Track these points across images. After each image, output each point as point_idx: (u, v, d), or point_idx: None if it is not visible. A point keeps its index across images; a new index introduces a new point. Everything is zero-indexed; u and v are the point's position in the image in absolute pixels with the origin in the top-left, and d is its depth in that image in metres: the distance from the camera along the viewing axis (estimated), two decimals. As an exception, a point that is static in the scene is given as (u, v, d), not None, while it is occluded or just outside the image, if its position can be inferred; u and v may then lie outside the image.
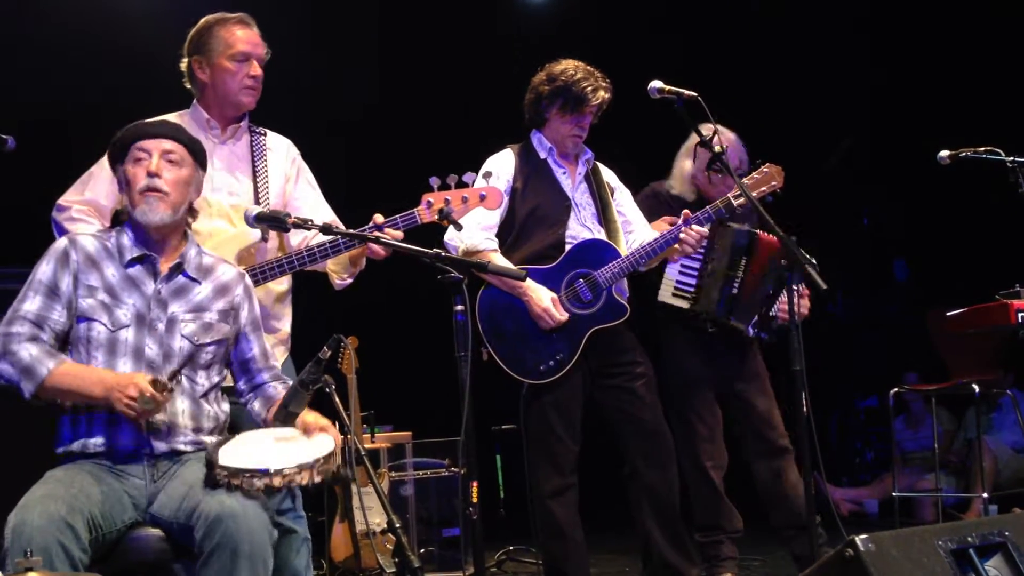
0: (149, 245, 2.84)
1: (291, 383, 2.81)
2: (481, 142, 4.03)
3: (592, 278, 3.79)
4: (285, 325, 3.44)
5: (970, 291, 5.00)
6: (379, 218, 3.21)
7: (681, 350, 4.25)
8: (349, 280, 3.46)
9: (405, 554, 2.47)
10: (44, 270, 2.79)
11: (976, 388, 5.29)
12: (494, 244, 3.83)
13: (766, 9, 6.93)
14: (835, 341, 7.54)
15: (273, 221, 3.01)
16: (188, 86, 3.45)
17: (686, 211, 3.88)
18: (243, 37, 3.36)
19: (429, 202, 3.21)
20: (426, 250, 2.86)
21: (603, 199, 3.97)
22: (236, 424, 3.01)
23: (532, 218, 3.86)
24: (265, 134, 3.49)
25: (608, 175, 4.08)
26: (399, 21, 6.63)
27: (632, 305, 3.86)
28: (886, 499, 6.62)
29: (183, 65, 3.43)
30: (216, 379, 2.89)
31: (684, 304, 4.11)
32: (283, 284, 3.43)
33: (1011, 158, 4.10)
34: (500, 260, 3.78)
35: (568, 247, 3.83)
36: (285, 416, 2.68)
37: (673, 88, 3.43)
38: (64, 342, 2.78)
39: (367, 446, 5.10)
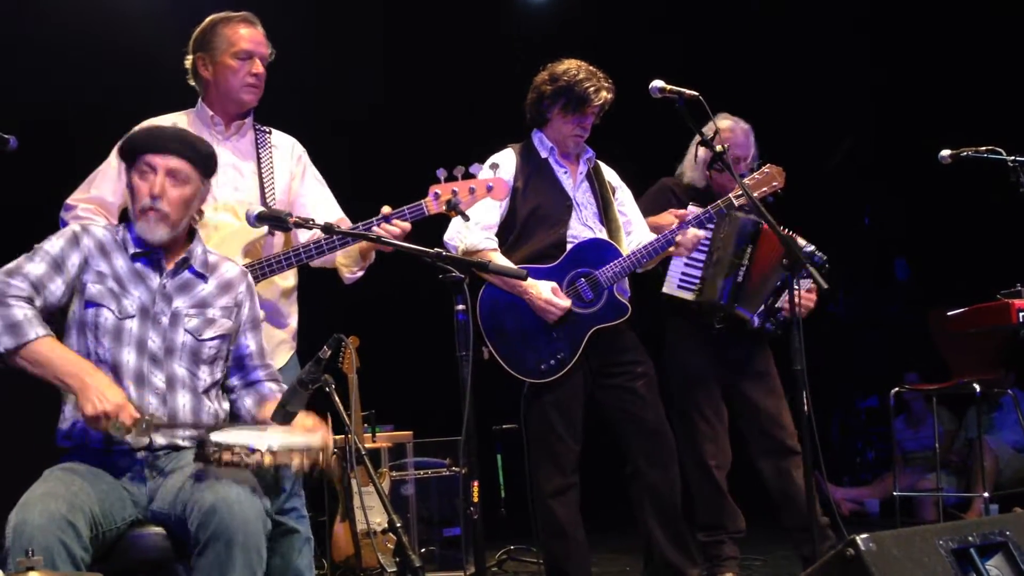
0: (151, 246, 2.84)
1: (290, 383, 2.81)
2: (483, 141, 4.02)
3: (593, 277, 3.79)
4: (292, 322, 3.46)
5: (971, 290, 5.00)
6: (387, 209, 3.23)
7: (686, 346, 4.25)
8: (359, 273, 3.47)
9: (406, 554, 2.47)
10: (53, 243, 2.78)
11: (977, 388, 5.29)
12: (494, 243, 3.83)
13: (766, 8, 6.93)
14: (836, 340, 7.54)
15: (274, 220, 3.01)
16: (192, 83, 3.47)
17: (681, 212, 3.87)
18: (247, 35, 3.38)
19: (436, 193, 3.23)
20: (427, 249, 2.86)
21: (604, 198, 3.97)
22: (234, 420, 3.02)
23: (533, 217, 3.85)
24: (270, 132, 3.52)
25: (609, 174, 4.07)
26: (402, 21, 6.63)
27: (633, 304, 3.86)
28: (887, 499, 6.62)
29: (187, 62, 3.45)
30: (218, 375, 2.90)
31: (689, 296, 4.11)
32: (289, 281, 3.45)
33: (1012, 157, 4.10)
34: (500, 259, 3.78)
35: (569, 246, 3.83)
36: (284, 415, 2.68)
37: (674, 88, 3.43)
38: (51, 318, 2.75)
39: (368, 446, 5.10)
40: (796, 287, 3.47)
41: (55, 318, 2.78)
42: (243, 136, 3.46)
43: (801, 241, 4.13)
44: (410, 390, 6.19)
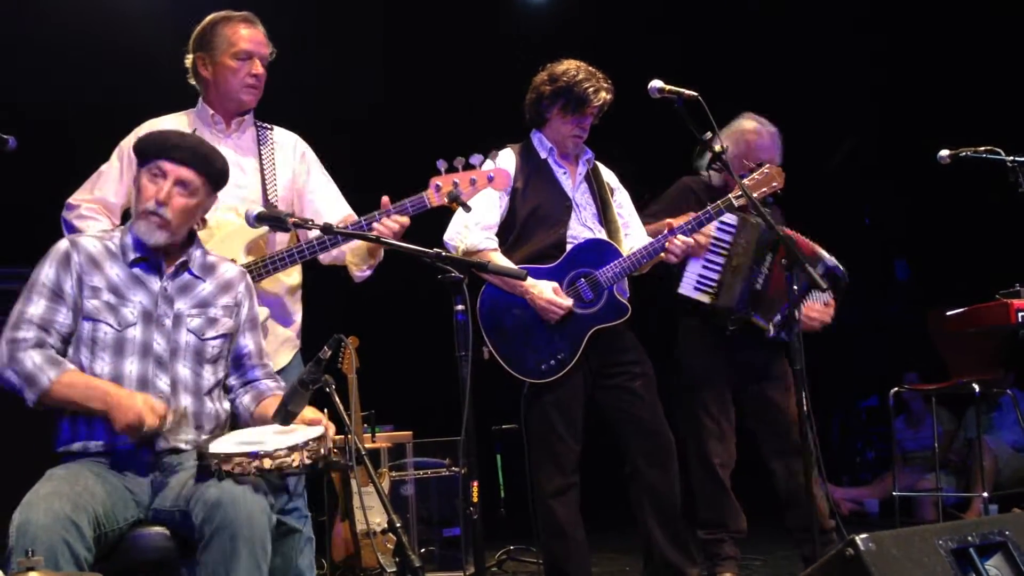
0: (150, 250, 2.85)
1: (290, 384, 2.82)
2: (483, 142, 4.02)
3: (593, 277, 3.79)
4: (296, 320, 3.48)
5: (970, 290, 5.00)
6: (386, 200, 3.23)
7: (697, 346, 4.24)
8: (368, 272, 3.48)
9: (406, 554, 2.47)
10: (47, 272, 2.79)
11: (976, 388, 5.29)
12: (494, 244, 3.83)
13: (765, 8, 6.93)
14: (836, 341, 7.53)
15: (273, 221, 3.02)
16: (192, 82, 3.47)
17: (670, 221, 3.86)
18: (247, 36, 3.38)
19: (438, 185, 3.23)
20: (427, 250, 2.86)
21: (603, 199, 3.97)
22: (236, 425, 3.02)
23: (533, 218, 3.86)
24: (271, 129, 3.52)
25: (608, 175, 4.08)
26: (402, 21, 6.63)
27: (639, 304, 3.86)
28: (886, 499, 6.62)
29: (187, 61, 3.46)
30: (220, 375, 2.92)
31: (705, 299, 4.09)
32: (294, 278, 3.46)
33: (1011, 158, 4.10)
34: (500, 260, 3.78)
35: (569, 247, 3.83)
36: (284, 415, 2.68)
37: (674, 88, 3.43)
38: (69, 344, 2.79)
39: (368, 446, 5.10)
40: (795, 285, 3.47)
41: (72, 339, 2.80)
42: (244, 133, 3.47)
43: (825, 255, 4.12)
44: (410, 390, 6.19)
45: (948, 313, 4.86)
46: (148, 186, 2.80)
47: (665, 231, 3.84)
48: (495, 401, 4.00)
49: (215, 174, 2.88)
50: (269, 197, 3.39)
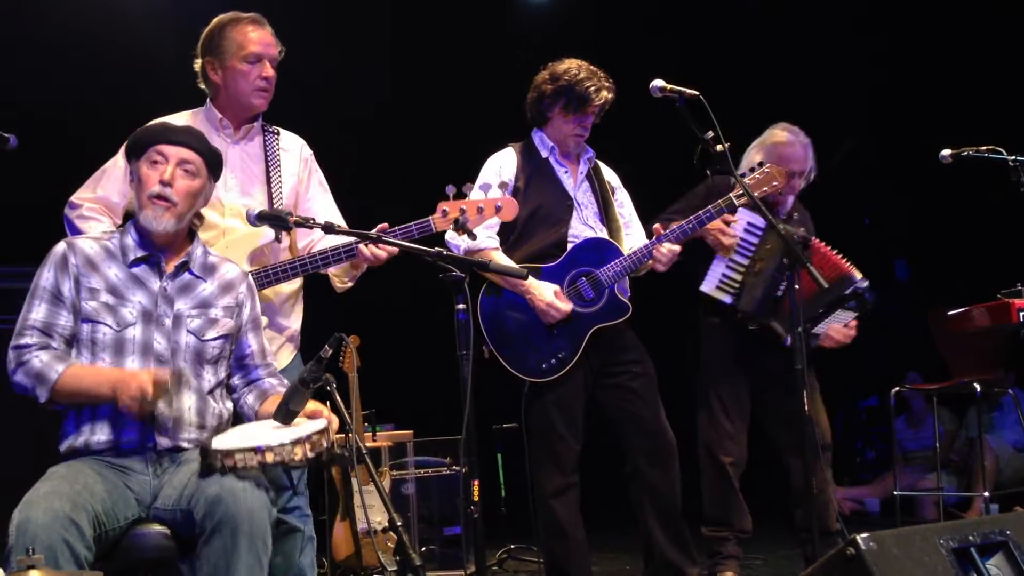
0: (153, 247, 2.85)
1: (291, 383, 2.82)
2: (485, 141, 4.03)
3: (594, 276, 3.79)
4: (294, 323, 3.47)
5: (971, 290, 5.00)
6: (385, 226, 3.22)
7: (719, 344, 4.24)
8: (350, 284, 3.47)
9: (406, 552, 2.47)
10: (46, 277, 2.80)
11: (977, 387, 5.29)
12: (496, 242, 3.83)
13: (765, 8, 6.92)
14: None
15: (274, 220, 3.02)
16: (202, 86, 3.45)
17: (657, 226, 3.86)
18: (256, 38, 3.34)
19: (444, 211, 3.23)
20: (428, 249, 2.86)
21: (604, 198, 3.97)
22: (238, 419, 3.02)
23: (534, 217, 3.85)
24: (278, 133, 3.50)
25: (609, 174, 4.08)
26: (404, 21, 6.63)
27: (634, 304, 3.86)
28: (887, 498, 6.62)
29: (196, 66, 3.42)
30: (222, 375, 2.92)
31: (726, 298, 4.09)
32: (294, 283, 3.45)
33: (1013, 157, 4.10)
34: (502, 259, 3.78)
35: (570, 246, 3.83)
36: (285, 414, 2.68)
37: (675, 87, 3.42)
38: (72, 345, 2.80)
39: (368, 444, 5.10)
40: (796, 285, 3.47)
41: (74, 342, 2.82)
42: (251, 140, 3.44)
43: (856, 274, 4.13)
44: (411, 389, 6.19)
45: (949, 313, 4.86)
46: (150, 173, 2.80)
47: (655, 237, 3.82)
48: (496, 400, 4.00)
49: (212, 156, 2.90)
50: (275, 204, 3.38)
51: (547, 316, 3.72)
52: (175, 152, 2.81)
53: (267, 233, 3.27)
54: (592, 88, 3.80)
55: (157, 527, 2.66)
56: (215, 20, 3.40)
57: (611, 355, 3.85)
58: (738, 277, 4.08)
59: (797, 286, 3.50)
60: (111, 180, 3.35)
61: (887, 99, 7.39)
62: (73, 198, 3.36)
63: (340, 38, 6.41)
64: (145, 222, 2.82)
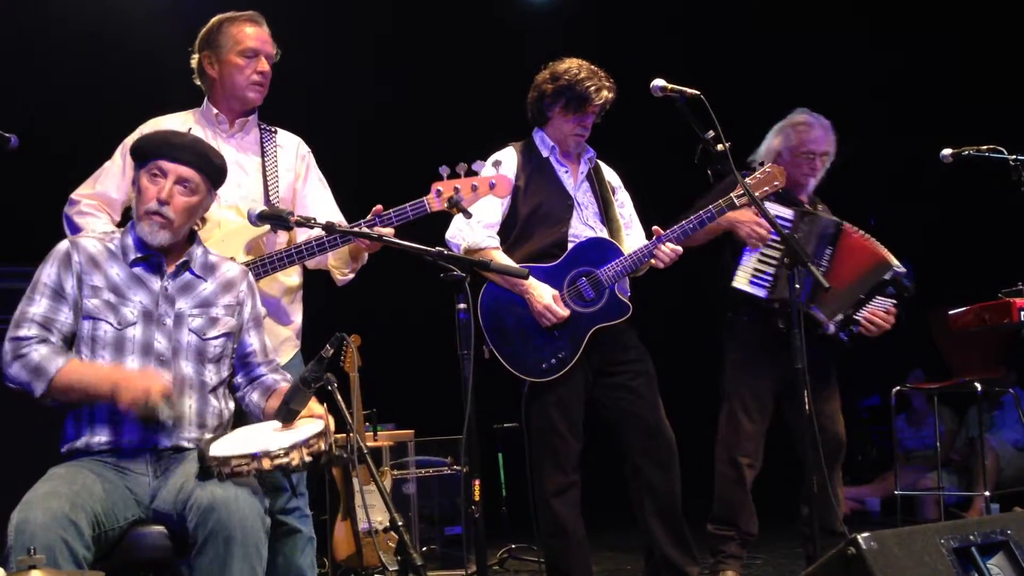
0: (152, 249, 2.85)
1: (292, 379, 2.82)
2: (485, 140, 4.03)
3: (595, 276, 3.79)
4: (296, 320, 3.48)
5: (973, 289, 4.99)
6: (379, 208, 3.23)
7: (745, 342, 4.23)
8: (351, 275, 3.48)
9: (407, 552, 2.47)
10: (48, 272, 2.80)
11: (978, 386, 5.29)
12: (496, 242, 3.83)
13: (766, 8, 6.92)
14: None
15: (275, 219, 3.02)
16: (198, 82, 3.48)
17: (657, 228, 3.86)
18: (252, 34, 3.41)
19: (439, 190, 3.23)
20: (429, 248, 2.86)
21: (605, 198, 3.97)
22: (246, 422, 3.03)
23: (534, 217, 3.85)
24: (275, 131, 3.53)
25: (609, 174, 4.07)
26: (404, 20, 6.63)
27: (635, 304, 3.86)
28: (888, 497, 6.62)
29: (193, 61, 3.47)
30: (225, 374, 2.92)
31: (761, 293, 4.08)
32: (294, 279, 3.46)
33: (1014, 156, 4.09)
34: (502, 258, 3.78)
35: (571, 245, 3.83)
36: (287, 413, 2.68)
37: (676, 87, 3.42)
38: (72, 343, 2.80)
39: (369, 444, 5.11)
40: (796, 284, 3.47)
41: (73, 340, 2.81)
42: (247, 134, 3.47)
43: (893, 260, 4.15)
44: (412, 389, 6.19)
45: (950, 312, 4.86)
46: (148, 186, 2.81)
47: (654, 238, 3.82)
48: (497, 400, 4.00)
49: (214, 171, 2.89)
50: (271, 199, 3.40)
51: (544, 319, 3.73)
52: (175, 169, 2.81)
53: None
54: (592, 88, 3.80)
55: (157, 527, 2.67)
56: (214, 18, 3.46)
57: (611, 355, 3.85)
58: (771, 270, 4.07)
59: (797, 285, 3.50)
60: (109, 177, 3.38)
61: (889, 98, 7.39)
62: (73, 195, 3.39)
63: (337, 38, 6.41)
64: (141, 233, 2.83)
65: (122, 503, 2.63)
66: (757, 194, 3.78)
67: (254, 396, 2.98)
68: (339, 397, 2.65)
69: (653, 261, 3.81)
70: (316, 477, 4.47)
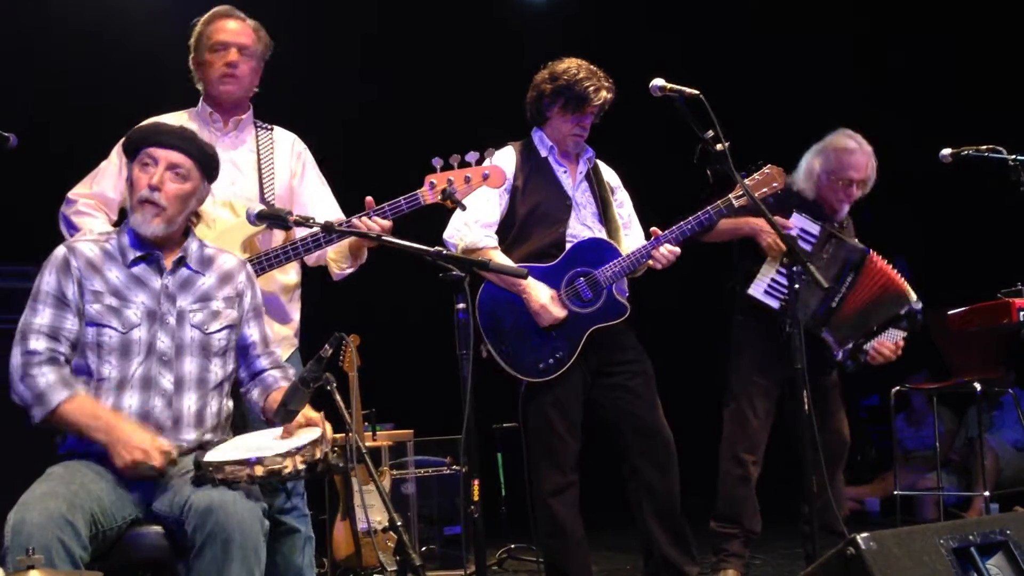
0: (149, 246, 2.85)
1: (292, 376, 2.82)
2: (484, 141, 4.02)
3: (592, 277, 3.79)
4: (294, 318, 3.49)
5: (972, 289, 4.99)
6: (371, 201, 3.23)
7: (753, 346, 4.24)
8: (349, 270, 3.47)
9: (406, 552, 2.47)
10: (48, 280, 2.79)
11: (978, 386, 5.29)
12: (494, 242, 3.83)
13: (766, 7, 6.92)
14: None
15: (274, 219, 3.02)
16: (199, 87, 3.51)
17: (655, 229, 3.86)
18: (220, 27, 3.44)
19: (432, 183, 3.23)
20: (428, 248, 2.86)
21: (603, 198, 3.97)
22: (248, 420, 3.03)
23: (532, 216, 3.85)
24: (271, 129, 3.54)
25: (608, 174, 4.07)
26: (403, 20, 6.63)
27: (633, 304, 3.86)
28: (887, 498, 6.62)
29: (190, 65, 3.50)
30: (230, 368, 2.92)
31: (774, 304, 4.09)
32: (291, 277, 3.46)
33: (1013, 156, 4.09)
34: (500, 258, 3.78)
35: (568, 246, 3.83)
36: (285, 414, 2.68)
37: (675, 86, 3.42)
38: (75, 350, 2.79)
39: (368, 444, 5.10)
40: (796, 284, 3.47)
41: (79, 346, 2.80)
42: (242, 132, 3.48)
43: (912, 295, 4.17)
44: (411, 389, 6.19)
45: (949, 312, 4.86)
46: (140, 176, 2.80)
47: (652, 239, 3.82)
48: (496, 399, 3.99)
49: (205, 159, 2.88)
50: (266, 195, 3.40)
51: (540, 319, 3.73)
52: (165, 155, 2.80)
53: None
54: (591, 88, 3.80)
55: (155, 528, 2.66)
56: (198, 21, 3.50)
57: (609, 355, 3.85)
58: (788, 283, 4.07)
59: (797, 285, 3.50)
60: (106, 177, 3.39)
61: (888, 98, 7.38)
62: (69, 194, 3.40)
63: (335, 37, 6.41)
64: (135, 225, 2.82)
65: (120, 503, 2.63)
66: (757, 195, 3.77)
67: (254, 394, 2.98)
68: (338, 397, 2.64)
69: (651, 262, 3.81)
70: (315, 479, 4.46)
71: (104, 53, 5.68)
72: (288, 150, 3.53)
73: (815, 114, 4.77)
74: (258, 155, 3.45)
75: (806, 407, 3.39)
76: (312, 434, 2.68)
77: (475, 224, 3.78)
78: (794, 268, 3.47)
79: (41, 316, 2.76)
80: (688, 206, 4.00)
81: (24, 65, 5.53)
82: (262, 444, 2.68)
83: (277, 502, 3.25)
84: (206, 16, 3.47)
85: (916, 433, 6.90)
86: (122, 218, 3.21)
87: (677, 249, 3.80)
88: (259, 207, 3.10)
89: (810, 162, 4.34)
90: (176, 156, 2.81)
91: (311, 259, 3.50)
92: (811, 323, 4.07)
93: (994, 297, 4.63)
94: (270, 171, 3.44)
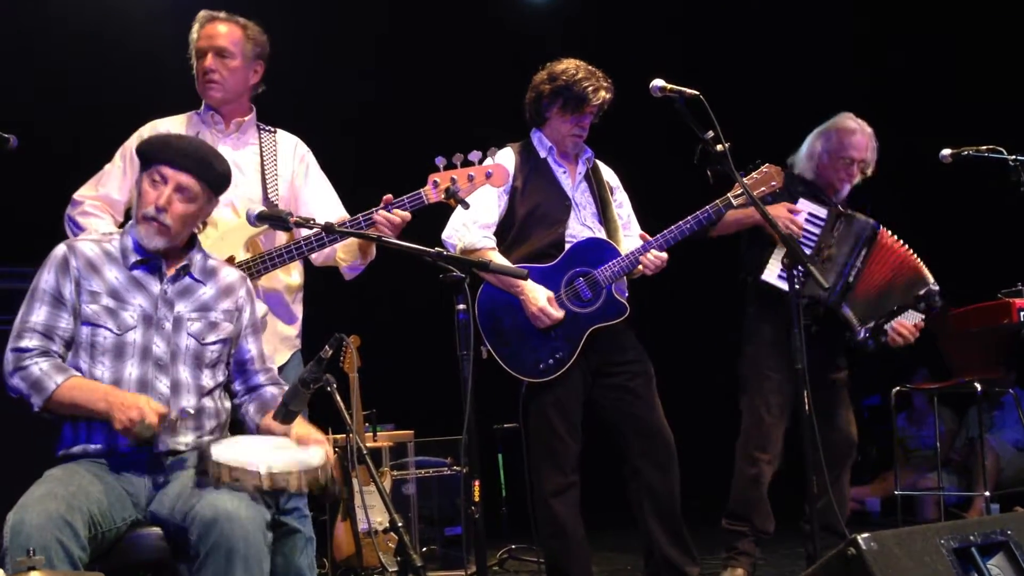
0: (151, 253, 2.85)
1: (292, 382, 2.81)
2: (483, 141, 4.02)
3: (592, 277, 3.79)
4: (297, 320, 3.50)
5: (972, 290, 4.99)
6: (389, 197, 3.25)
7: (768, 337, 4.22)
8: (360, 268, 3.49)
9: (407, 553, 2.47)
10: (46, 279, 2.79)
11: (978, 386, 5.29)
12: (492, 242, 3.83)
13: (766, 7, 6.92)
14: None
15: (274, 220, 3.02)
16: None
17: (643, 234, 3.85)
18: (201, 33, 3.46)
19: (435, 182, 3.23)
20: (428, 249, 2.86)
21: (603, 198, 3.97)
22: (241, 431, 3.02)
23: (532, 217, 3.85)
24: (274, 131, 3.55)
25: (608, 174, 4.07)
26: (403, 20, 6.63)
27: (633, 304, 3.86)
28: (888, 497, 6.61)
29: None
30: (221, 378, 2.91)
31: (786, 287, 4.07)
32: (295, 278, 3.47)
33: (1013, 156, 4.10)
34: (498, 259, 3.78)
35: (568, 246, 3.83)
36: (285, 414, 2.68)
37: (675, 87, 3.42)
38: (72, 348, 2.79)
39: (369, 445, 5.11)
40: (796, 281, 3.47)
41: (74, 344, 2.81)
42: (244, 133, 3.49)
43: (929, 276, 4.20)
44: (411, 389, 6.19)
45: (950, 312, 4.86)
46: (149, 191, 2.80)
47: (641, 244, 3.82)
48: (497, 400, 3.99)
49: (215, 179, 2.87)
50: (269, 197, 3.41)
51: (538, 320, 3.73)
52: (175, 176, 2.79)
53: None
54: (590, 88, 3.80)
55: (154, 529, 2.66)
56: None
57: (609, 355, 3.84)
58: (800, 266, 4.07)
59: (797, 286, 3.50)
60: (111, 179, 3.41)
61: (888, 97, 7.38)
62: (75, 195, 3.41)
63: (334, 37, 6.41)
64: (138, 237, 2.82)
65: (119, 504, 2.63)
66: (755, 194, 3.77)
67: (250, 409, 2.98)
68: (338, 398, 2.64)
69: (640, 268, 3.80)
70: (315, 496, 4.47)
71: (104, 53, 5.68)
72: (291, 152, 3.54)
73: (815, 114, 4.77)
74: (261, 157, 3.46)
75: (807, 407, 3.38)
76: (318, 456, 2.68)
77: (474, 225, 3.78)
78: (795, 269, 3.46)
79: (37, 314, 2.76)
80: (688, 206, 4.01)
81: (24, 65, 5.53)
82: (269, 453, 2.67)
83: (277, 504, 3.24)
84: (195, 20, 3.49)
85: (917, 433, 6.90)
86: (127, 219, 3.22)
87: (664, 255, 3.80)
88: (259, 208, 3.10)
89: (812, 143, 4.37)
90: (186, 179, 2.80)
91: (318, 260, 3.50)
92: (831, 300, 4.08)
93: (994, 297, 4.63)
94: (273, 173, 3.45)
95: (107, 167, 3.43)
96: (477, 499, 2.83)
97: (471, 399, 2.75)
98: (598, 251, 3.83)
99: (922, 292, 4.14)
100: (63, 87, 5.65)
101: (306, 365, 2.70)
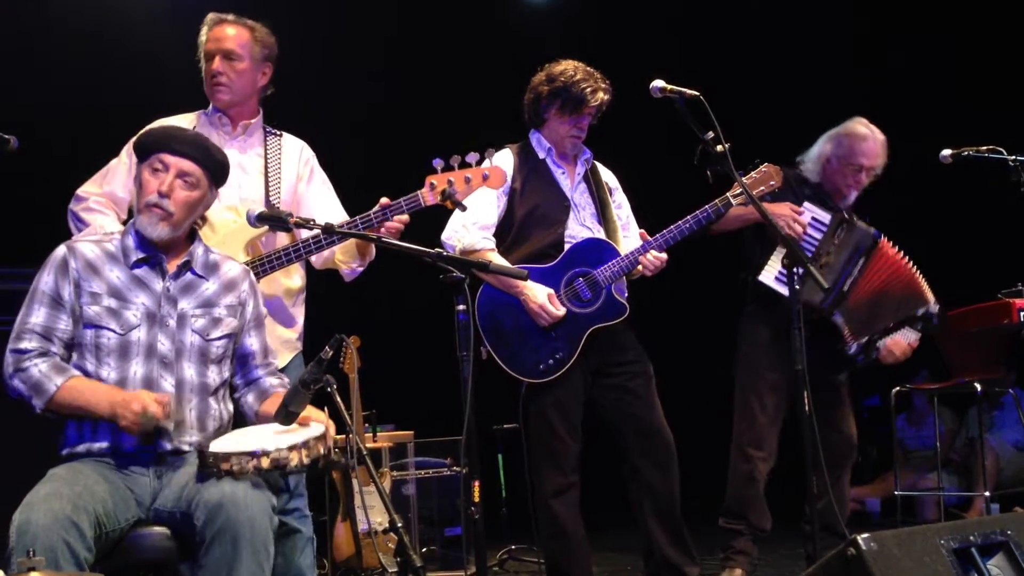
0: (152, 249, 2.85)
1: (290, 383, 2.82)
2: (482, 142, 4.02)
3: (591, 277, 3.79)
4: (298, 322, 3.50)
5: (972, 290, 4.99)
6: (386, 201, 3.25)
7: (763, 338, 4.23)
8: (360, 269, 3.49)
9: (407, 553, 2.47)
10: (46, 280, 2.79)
11: (978, 387, 5.29)
12: (491, 243, 3.83)
13: (766, 8, 6.92)
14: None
15: (274, 220, 3.02)
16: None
17: (642, 231, 3.86)
18: (208, 36, 3.46)
19: (432, 184, 3.24)
20: (427, 250, 2.86)
21: (602, 199, 3.97)
22: (242, 424, 3.02)
23: (531, 218, 3.85)
24: (280, 135, 3.55)
25: (607, 175, 4.07)
26: (402, 20, 6.63)
27: (633, 304, 3.86)
28: (888, 498, 6.61)
29: None
30: (226, 375, 2.92)
31: (784, 291, 4.08)
32: (296, 281, 3.47)
33: (1013, 157, 4.10)
34: (498, 259, 3.78)
35: (567, 246, 3.83)
36: (285, 415, 2.68)
37: (675, 87, 3.42)
38: (72, 350, 2.79)
39: (369, 445, 5.11)
40: (796, 283, 3.47)
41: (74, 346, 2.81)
42: (250, 136, 3.49)
43: (930, 297, 4.19)
44: (411, 390, 6.19)
45: (950, 313, 4.86)
46: (150, 180, 2.80)
47: (641, 243, 3.82)
48: (497, 401, 3.99)
49: (216, 167, 2.88)
50: (272, 200, 3.41)
51: (539, 319, 3.73)
52: (176, 162, 2.80)
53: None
54: (588, 89, 3.80)
55: (158, 528, 2.66)
56: None
57: (609, 355, 3.85)
58: (799, 268, 4.07)
59: (797, 287, 3.50)
60: (116, 176, 3.41)
61: (888, 98, 7.38)
62: (79, 191, 3.40)
63: (333, 37, 6.41)
64: (141, 227, 2.82)
65: (123, 504, 2.63)
66: (755, 193, 3.78)
67: (249, 398, 2.98)
68: (338, 399, 2.64)
69: (640, 268, 3.80)
70: (315, 478, 4.47)
71: (104, 53, 5.68)
72: (296, 156, 3.54)
73: (815, 114, 4.77)
74: (265, 160, 3.46)
75: (807, 408, 3.38)
76: (315, 430, 2.68)
77: (473, 226, 3.78)
78: (795, 269, 3.46)
79: (36, 316, 2.76)
80: (688, 206, 4.01)
81: (25, 65, 5.53)
82: (265, 437, 2.68)
83: (279, 503, 3.24)
84: (204, 22, 3.49)
85: (917, 433, 6.90)
86: (131, 217, 3.22)
87: (663, 255, 3.80)
88: (260, 209, 3.10)
89: (822, 147, 4.37)
90: (187, 164, 2.81)
91: (318, 262, 3.50)
92: (824, 306, 4.07)
93: (994, 297, 4.63)
94: (276, 176, 3.45)
95: (112, 163, 3.43)
96: (477, 500, 2.83)
97: (471, 400, 2.75)
98: (597, 251, 3.83)
99: (920, 313, 4.15)
100: (63, 87, 5.64)
101: (306, 366, 2.70)
